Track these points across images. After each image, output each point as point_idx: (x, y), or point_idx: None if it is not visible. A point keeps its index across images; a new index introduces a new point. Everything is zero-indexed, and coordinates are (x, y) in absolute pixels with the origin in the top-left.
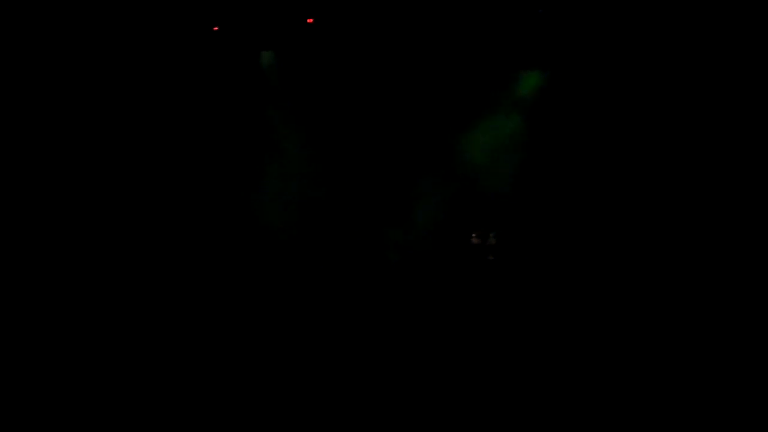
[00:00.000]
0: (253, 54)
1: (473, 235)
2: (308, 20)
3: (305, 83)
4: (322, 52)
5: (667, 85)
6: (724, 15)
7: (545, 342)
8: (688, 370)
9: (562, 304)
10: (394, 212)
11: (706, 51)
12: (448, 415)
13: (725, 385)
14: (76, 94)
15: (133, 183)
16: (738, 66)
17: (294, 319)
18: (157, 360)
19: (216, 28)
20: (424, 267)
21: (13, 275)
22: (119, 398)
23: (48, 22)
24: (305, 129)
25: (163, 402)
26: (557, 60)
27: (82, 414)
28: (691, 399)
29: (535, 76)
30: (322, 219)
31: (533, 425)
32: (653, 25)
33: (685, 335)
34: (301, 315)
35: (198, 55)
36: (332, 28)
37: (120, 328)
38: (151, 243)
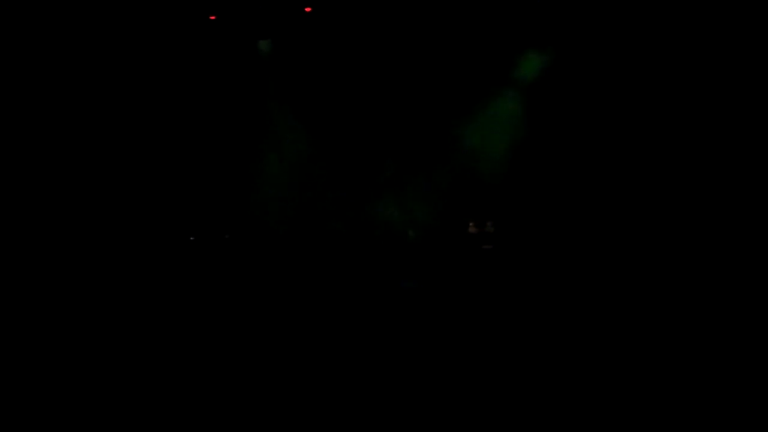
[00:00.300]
0: (251, 42)
1: (471, 223)
2: (306, 9)
3: (303, 71)
4: (319, 40)
5: (669, 71)
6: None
7: (544, 336)
8: (687, 362)
9: (561, 295)
10: (390, 199)
11: (706, 40)
12: (446, 409)
13: (722, 383)
14: (67, 82)
15: (127, 173)
16: (740, 50)
17: (289, 311)
18: (151, 356)
19: (213, 17)
20: (421, 256)
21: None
22: (105, 396)
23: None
24: (303, 117)
25: (152, 400)
26: (557, 42)
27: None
28: (688, 395)
29: (535, 59)
30: (320, 207)
31: (534, 420)
32: (656, 9)
33: (687, 326)
34: (298, 306)
35: (195, 43)
36: (329, 15)
37: (113, 323)
38: (146, 235)
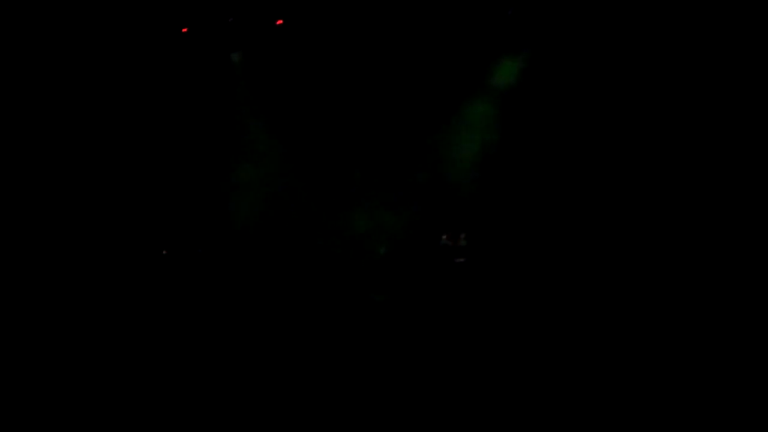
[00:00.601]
0: (224, 54)
1: (444, 236)
2: (277, 21)
3: (274, 80)
4: (291, 51)
5: (644, 77)
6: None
7: (518, 347)
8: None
9: (535, 308)
10: (363, 211)
11: (677, 47)
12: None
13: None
14: (46, 90)
15: (106, 179)
16: (717, 57)
17: (262, 314)
18: (127, 355)
19: (185, 30)
20: (394, 269)
21: None
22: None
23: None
24: (274, 127)
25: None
26: (530, 51)
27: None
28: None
29: (508, 68)
30: (292, 214)
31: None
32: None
33: (664, 335)
34: (270, 311)
35: (168, 56)
36: (300, 27)
37: (85, 322)
38: (122, 237)
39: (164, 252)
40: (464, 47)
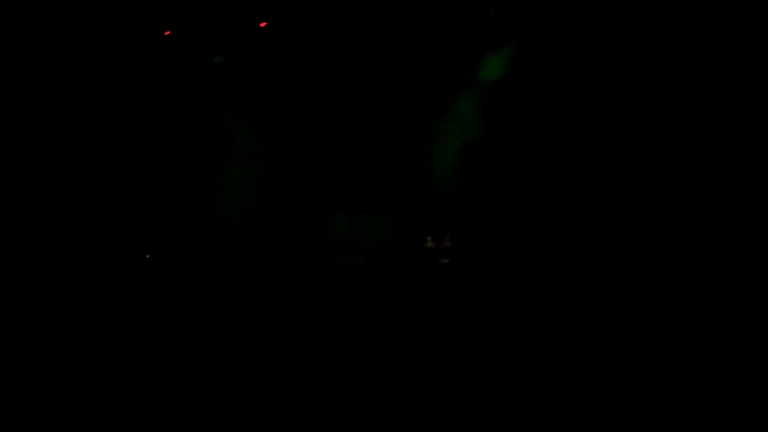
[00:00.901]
0: (207, 57)
1: (428, 237)
2: (261, 24)
3: (258, 83)
4: (274, 52)
5: (628, 74)
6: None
7: (504, 347)
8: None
9: (521, 311)
10: (343, 213)
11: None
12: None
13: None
14: (23, 92)
15: (88, 181)
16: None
17: (250, 325)
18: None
19: (167, 33)
20: (377, 270)
21: None
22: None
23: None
24: (259, 127)
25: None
26: (514, 47)
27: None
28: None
29: (494, 64)
30: (276, 216)
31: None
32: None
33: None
34: (258, 321)
35: (149, 59)
36: (284, 29)
37: (66, 327)
38: (103, 239)
39: (147, 255)
40: (447, 45)
